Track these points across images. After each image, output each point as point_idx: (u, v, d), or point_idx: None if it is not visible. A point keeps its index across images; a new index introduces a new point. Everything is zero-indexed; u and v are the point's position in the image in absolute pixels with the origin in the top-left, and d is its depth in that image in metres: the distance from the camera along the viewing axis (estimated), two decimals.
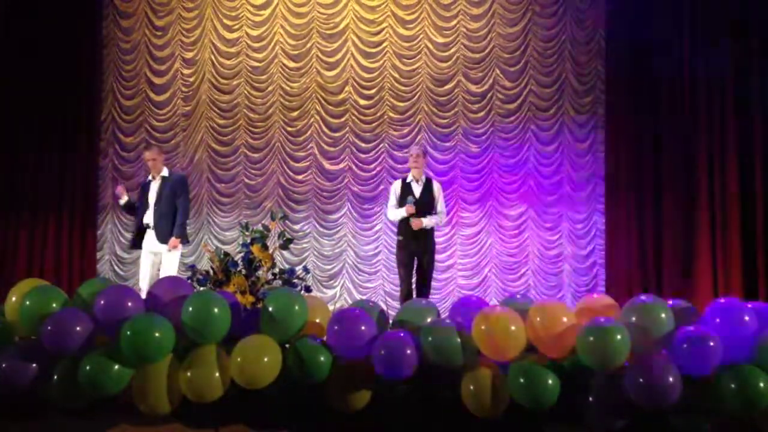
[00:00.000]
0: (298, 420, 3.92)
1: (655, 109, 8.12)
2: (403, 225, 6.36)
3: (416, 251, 6.34)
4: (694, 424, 3.60)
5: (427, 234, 6.35)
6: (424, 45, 8.99)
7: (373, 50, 9.07)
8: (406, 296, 6.35)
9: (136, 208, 6.51)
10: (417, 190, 6.42)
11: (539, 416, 3.71)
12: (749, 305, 3.82)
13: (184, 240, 6.45)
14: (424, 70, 8.98)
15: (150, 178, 6.55)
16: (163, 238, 6.34)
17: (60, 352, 3.75)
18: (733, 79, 7.77)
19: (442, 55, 8.96)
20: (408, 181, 6.48)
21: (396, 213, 6.43)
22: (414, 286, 6.48)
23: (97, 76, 9.25)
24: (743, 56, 7.77)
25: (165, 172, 6.57)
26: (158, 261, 6.45)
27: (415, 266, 6.41)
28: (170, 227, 6.37)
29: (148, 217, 6.41)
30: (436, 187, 6.53)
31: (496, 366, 3.70)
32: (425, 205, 6.37)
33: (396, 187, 6.55)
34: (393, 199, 6.52)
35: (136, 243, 6.45)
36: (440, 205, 6.47)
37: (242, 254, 5.32)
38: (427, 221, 6.30)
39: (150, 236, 6.40)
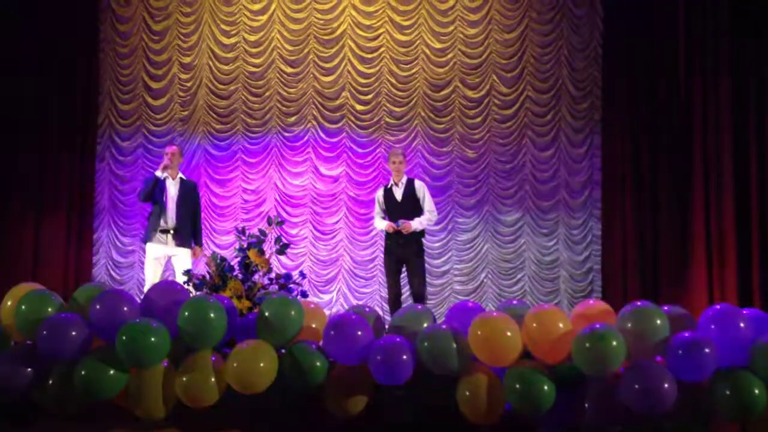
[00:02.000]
0: (293, 425, 3.91)
1: (651, 116, 8.14)
2: (389, 232, 6.23)
3: (402, 256, 6.22)
4: (689, 430, 3.60)
5: (413, 237, 6.19)
6: (421, 50, 9.00)
7: (371, 56, 9.08)
8: (393, 303, 6.28)
9: (153, 196, 6.36)
10: (398, 193, 6.28)
11: (534, 422, 3.71)
12: (744, 311, 3.84)
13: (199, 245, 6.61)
14: (421, 75, 8.99)
15: (165, 175, 6.45)
16: (181, 242, 6.33)
17: (55, 357, 3.74)
18: (729, 85, 7.78)
19: (439, 61, 8.97)
20: (389, 186, 6.38)
21: (380, 224, 6.34)
22: (410, 293, 6.43)
23: (94, 79, 9.23)
24: (739, 62, 7.79)
25: (182, 174, 6.57)
26: (164, 264, 6.45)
27: (403, 272, 6.35)
28: (189, 231, 6.39)
29: (167, 220, 6.34)
30: (419, 186, 6.33)
31: (492, 372, 3.70)
32: (410, 207, 6.22)
33: (379, 195, 6.43)
34: (378, 208, 6.43)
35: (151, 237, 6.38)
36: (427, 204, 6.27)
37: (239, 259, 5.31)
38: (416, 224, 6.13)
39: (164, 239, 6.34)
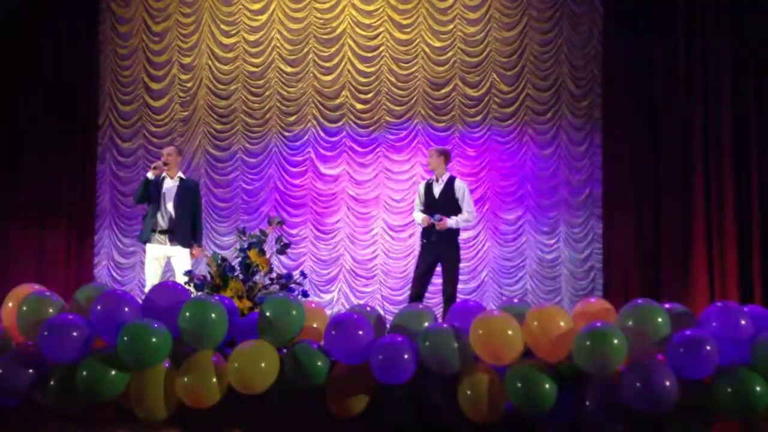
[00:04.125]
0: (295, 425, 3.91)
1: (652, 113, 8.13)
2: (425, 228, 6.27)
3: (438, 254, 6.24)
4: (691, 428, 3.60)
5: (449, 236, 6.21)
6: (421, 49, 9.00)
7: (370, 54, 9.08)
8: (413, 300, 6.28)
9: (146, 197, 6.35)
10: (437, 189, 6.33)
11: (536, 421, 3.71)
12: (745, 308, 3.83)
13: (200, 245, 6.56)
14: (421, 74, 8.99)
15: (163, 176, 6.43)
16: (180, 242, 6.31)
17: (56, 358, 3.74)
18: (729, 82, 7.78)
19: (439, 59, 8.97)
20: (430, 181, 6.43)
21: (417, 217, 6.38)
22: (442, 294, 6.43)
23: (94, 81, 9.25)
24: (740, 59, 7.78)
25: (181, 174, 6.55)
26: (163, 264, 6.44)
27: (435, 271, 6.33)
28: (188, 231, 6.37)
29: (165, 219, 6.33)
30: (459, 186, 6.36)
31: (493, 370, 3.70)
32: (446, 205, 6.24)
33: (420, 188, 6.52)
34: (417, 200, 6.50)
35: (148, 237, 6.36)
36: (466, 204, 6.29)
37: (239, 259, 5.31)
38: (452, 222, 6.15)
39: (162, 239, 6.32)
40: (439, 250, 6.22)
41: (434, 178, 6.41)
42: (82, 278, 8.80)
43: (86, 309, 3.85)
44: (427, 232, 6.22)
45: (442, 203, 6.26)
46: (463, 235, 8.79)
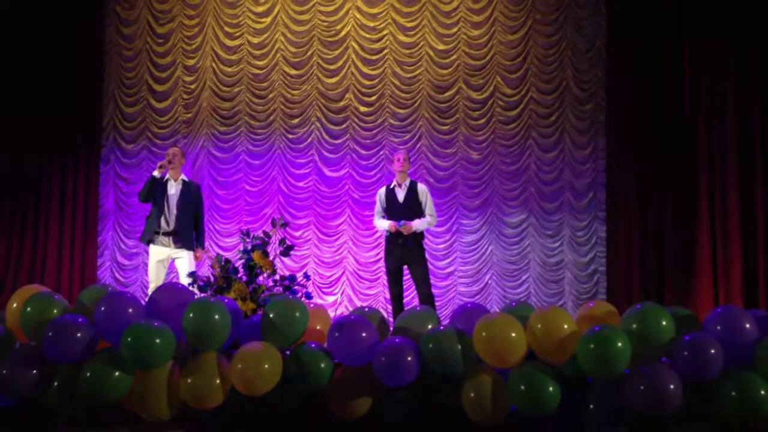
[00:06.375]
0: (298, 427, 3.92)
1: (656, 117, 8.13)
2: (391, 233, 6.22)
3: (403, 258, 6.22)
4: (696, 431, 3.60)
5: (415, 239, 6.20)
6: (425, 52, 9.00)
7: (374, 57, 9.09)
8: (395, 304, 6.26)
9: (152, 195, 6.35)
10: (400, 194, 6.29)
11: (539, 423, 3.71)
12: (749, 312, 3.83)
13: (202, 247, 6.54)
14: (425, 77, 8.99)
15: (167, 177, 6.44)
16: (183, 244, 6.31)
17: (61, 359, 3.75)
18: (734, 84, 7.77)
19: (443, 62, 8.97)
20: (392, 186, 6.38)
21: (381, 224, 6.33)
22: (417, 296, 6.42)
23: (98, 83, 9.25)
24: (744, 61, 7.77)
25: (184, 176, 6.54)
26: (167, 266, 6.44)
27: (404, 275, 6.34)
28: (191, 234, 6.38)
29: (169, 222, 6.33)
30: (421, 189, 6.35)
31: (496, 373, 3.70)
32: (411, 209, 6.23)
33: (381, 194, 6.43)
34: (378, 206, 6.41)
35: (151, 238, 6.35)
36: (429, 208, 6.29)
37: (243, 261, 5.32)
38: (417, 225, 6.15)
39: (166, 241, 6.32)
40: (405, 253, 6.19)
41: (396, 183, 6.36)
42: (85, 279, 8.81)
43: (90, 310, 3.86)
44: (394, 236, 6.19)
45: (406, 208, 6.24)
46: (466, 238, 8.87)
